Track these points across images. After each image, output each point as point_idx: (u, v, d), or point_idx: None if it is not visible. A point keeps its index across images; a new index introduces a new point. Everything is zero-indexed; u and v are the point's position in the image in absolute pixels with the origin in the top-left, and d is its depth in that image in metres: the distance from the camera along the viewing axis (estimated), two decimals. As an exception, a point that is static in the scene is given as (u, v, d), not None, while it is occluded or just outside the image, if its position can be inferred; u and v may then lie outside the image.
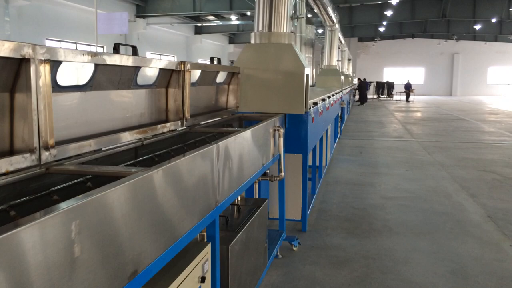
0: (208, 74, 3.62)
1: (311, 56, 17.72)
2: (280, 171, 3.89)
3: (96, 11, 13.19)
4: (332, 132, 9.41)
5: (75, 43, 18.44)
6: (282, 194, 4.27)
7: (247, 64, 4.39)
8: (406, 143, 11.84)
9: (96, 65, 2.07)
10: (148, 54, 24.75)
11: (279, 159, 3.88)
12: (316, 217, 5.41)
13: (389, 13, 25.77)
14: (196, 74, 3.32)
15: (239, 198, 3.46)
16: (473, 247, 4.51)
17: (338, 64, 20.64)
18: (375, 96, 37.00)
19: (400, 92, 34.79)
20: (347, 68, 25.13)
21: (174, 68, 2.84)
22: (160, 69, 2.73)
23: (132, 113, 2.54)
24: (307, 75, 4.51)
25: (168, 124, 2.78)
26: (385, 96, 37.29)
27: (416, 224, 5.20)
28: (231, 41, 36.28)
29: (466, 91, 44.34)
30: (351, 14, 27.41)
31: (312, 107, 5.07)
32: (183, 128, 2.96)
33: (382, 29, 34.06)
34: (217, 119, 3.90)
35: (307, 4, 11.28)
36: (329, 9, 11.15)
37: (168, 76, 2.91)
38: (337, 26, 13.08)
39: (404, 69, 45.57)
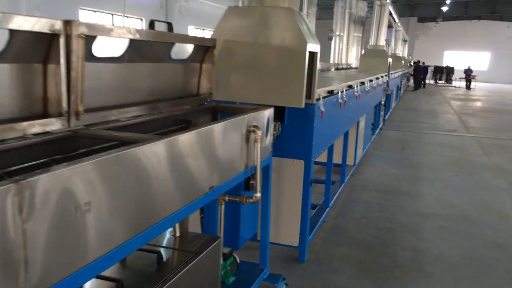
0: (152, 46, 2.48)
1: (360, 35, 16.15)
2: (255, 190, 2.71)
3: (124, -22, 12.28)
4: (369, 124, 8.03)
5: (112, 14, 17.71)
6: (265, 219, 3.09)
7: (228, 35, 3.20)
8: (460, 138, 10.21)
9: None
10: (191, 29, 23.80)
11: (255, 174, 2.70)
12: (324, 238, 4.19)
13: (453, -10, 23.26)
14: (120, 43, 2.19)
15: (177, 233, 2.33)
16: (537, 309, 3.18)
17: (390, 44, 18.84)
18: (432, 82, 34.43)
19: (460, 78, 32.05)
20: (401, 50, 23.08)
21: (49, 31, 1.72)
22: (12, 31, 1.61)
23: None
24: (314, 53, 3.26)
25: (23, 125, 1.67)
26: (443, 82, 34.64)
27: (458, 260, 3.88)
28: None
29: (536, 80, 40.49)
30: (410, -10, 25.11)
31: (326, 97, 3.82)
32: (66, 129, 1.84)
33: (445, 8, 31.23)
34: (174, 110, 2.77)
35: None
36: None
37: (45, 45, 1.79)
38: (387, 0, 11.46)
39: (467, 53, 42.06)
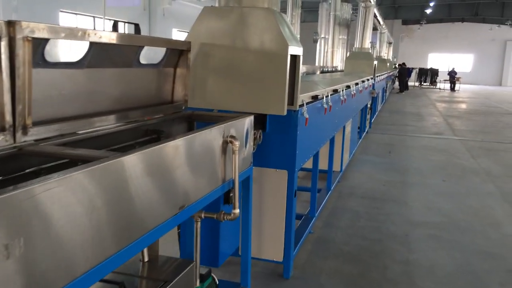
0: (118, 49, 2.25)
1: (345, 37, 16.04)
2: (233, 206, 2.49)
3: (104, -20, 11.99)
4: (355, 128, 7.87)
5: (93, 17, 17.36)
6: (246, 235, 2.88)
7: (204, 37, 2.99)
8: (446, 141, 10.12)
9: None
10: (174, 32, 23.52)
11: (233, 188, 2.48)
12: (310, 251, 3.99)
13: (437, -8, 23.38)
14: (78, 46, 1.96)
15: (146, 258, 2.10)
16: (535, 325, 3.01)
17: (375, 46, 18.79)
18: (417, 84, 34.58)
19: (444, 80, 32.24)
20: (386, 52, 23.11)
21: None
22: None
23: None
24: (296, 57, 3.06)
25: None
26: (428, 84, 34.83)
27: (449, 272, 3.71)
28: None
29: (518, 81, 40.96)
30: (394, -7, 25.17)
31: (310, 103, 3.62)
32: (10, 146, 1.60)
33: (428, 11, 31.47)
34: (146, 120, 2.54)
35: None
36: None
37: (-15, 50, 1.55)
38: (372, 2, 11.35)
39: (451, 55, 42.38)
